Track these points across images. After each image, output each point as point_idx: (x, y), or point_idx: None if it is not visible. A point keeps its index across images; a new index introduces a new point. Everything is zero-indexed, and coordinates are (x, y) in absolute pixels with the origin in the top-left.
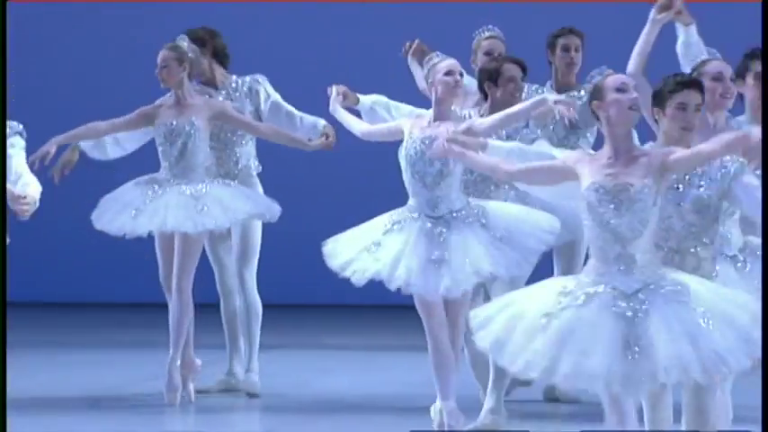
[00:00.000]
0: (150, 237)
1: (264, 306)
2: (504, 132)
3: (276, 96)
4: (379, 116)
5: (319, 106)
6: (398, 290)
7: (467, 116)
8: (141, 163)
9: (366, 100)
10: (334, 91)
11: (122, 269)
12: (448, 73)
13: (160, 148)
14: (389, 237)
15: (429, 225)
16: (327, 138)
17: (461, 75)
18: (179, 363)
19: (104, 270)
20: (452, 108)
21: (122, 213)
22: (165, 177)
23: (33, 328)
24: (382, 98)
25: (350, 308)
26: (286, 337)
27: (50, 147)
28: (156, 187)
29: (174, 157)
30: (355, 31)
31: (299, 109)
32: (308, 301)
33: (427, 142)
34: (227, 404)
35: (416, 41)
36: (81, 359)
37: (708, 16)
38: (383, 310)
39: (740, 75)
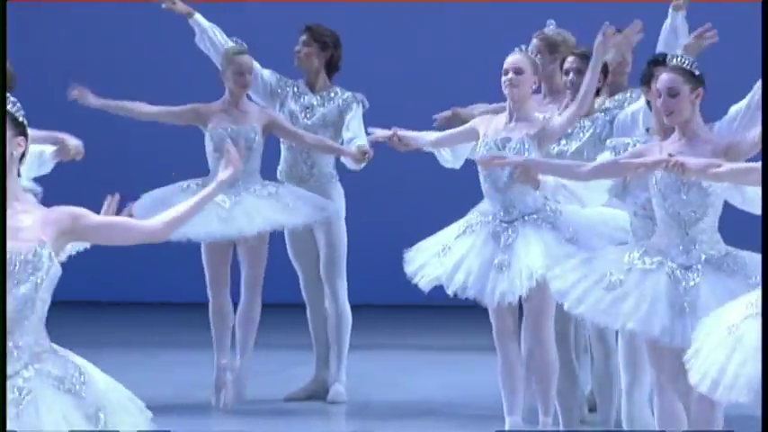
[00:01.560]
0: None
1: (352, 306)
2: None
3: (359, 118)
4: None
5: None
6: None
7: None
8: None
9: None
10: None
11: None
12: (504, 72)
13: (216, 154)
14: (459, 241)
15: (499, 229)
16: (364, 154)
17: (518, 72)
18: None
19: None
20: (530, 106)
21: (208, 219)
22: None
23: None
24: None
25: (440, 308)
26: (374, 338)
27: (93, 100)
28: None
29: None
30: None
31: None
32: (397, 301)
33: (501, 145)
34: (315, 407)
35: (450, 112)
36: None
37: (708, 16)
38: (472, 311)
39: (645, 82)
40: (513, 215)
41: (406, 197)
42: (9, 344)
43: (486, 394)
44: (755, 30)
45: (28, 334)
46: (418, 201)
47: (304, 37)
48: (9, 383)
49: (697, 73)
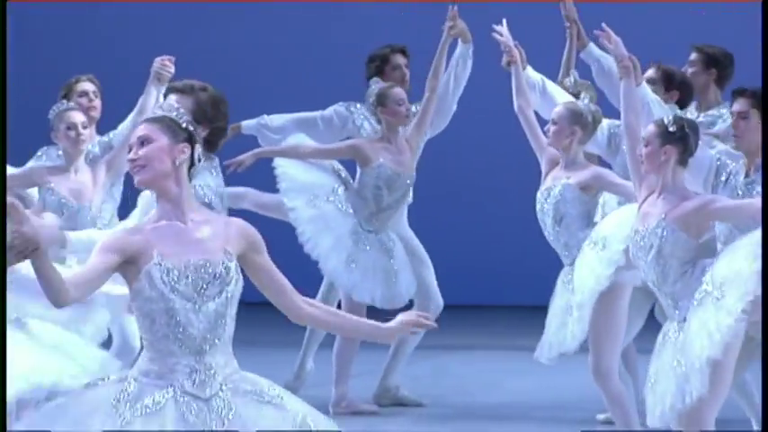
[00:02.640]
0: None
1: (453, 307)
2: None
3: None
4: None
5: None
6: None
7: None
8: None
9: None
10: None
11: None
12: None
13: (375, 191)
14: None
15: None
16: None
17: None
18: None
19: None
20: None
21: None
22: (372, 226)
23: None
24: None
25: (540, 309)
26: (475, 339)
27: (250, 158)
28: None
29: (388, 206)
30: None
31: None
32: (498, 302)
33: None
34: (411, 409)
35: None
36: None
37: (708, 16)
38: None
39: None
40: None
41: (504, 198)
42: (200, 365)
43: (588, 395)
44: (755, 30)
45: (220, 354)
46: (518, 202)
47: None
48: (207, 406)
49: (671, 129)
